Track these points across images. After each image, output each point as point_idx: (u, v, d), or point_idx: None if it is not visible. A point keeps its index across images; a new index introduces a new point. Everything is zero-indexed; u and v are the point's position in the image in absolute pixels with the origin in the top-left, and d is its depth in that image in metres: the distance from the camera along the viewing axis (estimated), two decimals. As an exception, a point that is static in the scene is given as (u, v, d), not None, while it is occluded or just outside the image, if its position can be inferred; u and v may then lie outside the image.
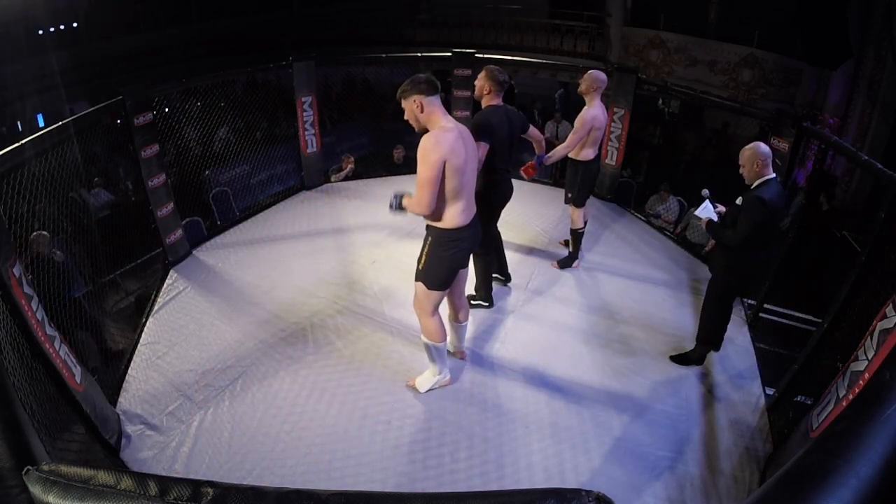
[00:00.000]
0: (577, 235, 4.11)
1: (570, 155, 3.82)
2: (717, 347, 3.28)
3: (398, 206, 2.55)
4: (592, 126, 3.65)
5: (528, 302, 3.77)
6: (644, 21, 10.07)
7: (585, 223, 4.19)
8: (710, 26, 9.48)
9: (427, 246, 2.60)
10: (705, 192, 3.09)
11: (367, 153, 7.60)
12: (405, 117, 2.44)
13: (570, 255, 4.18)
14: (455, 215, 2.48)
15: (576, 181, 3.89)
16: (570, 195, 3.98)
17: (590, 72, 3.76)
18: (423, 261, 2.62)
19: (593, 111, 3.66)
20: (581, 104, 3.80)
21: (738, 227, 2.77)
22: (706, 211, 3.02)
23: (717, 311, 3.12)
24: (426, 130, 2.40)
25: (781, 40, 8.25)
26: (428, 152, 2.28)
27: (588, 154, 3.80)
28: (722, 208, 3.09)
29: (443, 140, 2.29)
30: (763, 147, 2.77)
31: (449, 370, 3.01)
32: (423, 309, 2.72)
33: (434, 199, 2.35)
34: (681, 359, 3.28)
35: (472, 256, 3.47)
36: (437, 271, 2.60)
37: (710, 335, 3.19)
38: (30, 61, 8.95)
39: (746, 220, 2.73)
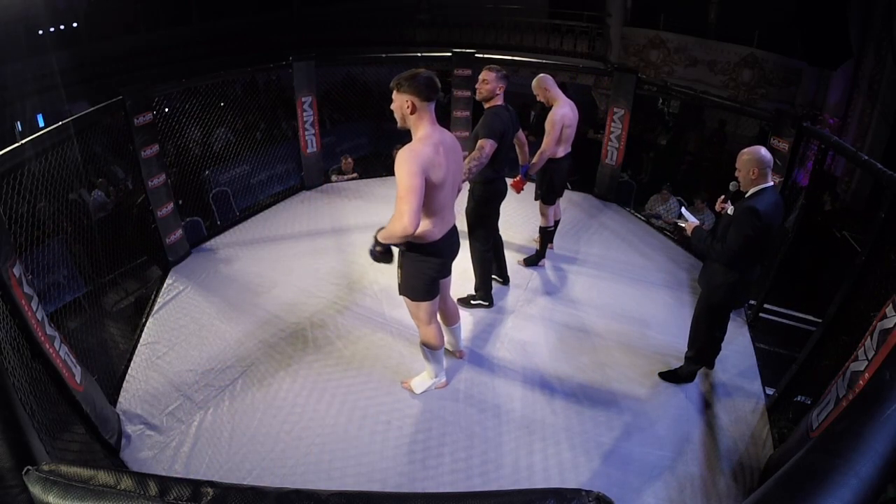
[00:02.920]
0: (545, 233, 4.09)
1: None
2: (710, 365, 3.15)
3: (375, 246, 2.37)
4: (563, 125, 3.66)
5: (527, 302, 3.77)
6: (644, 21, 10.06)
7: (557, 222, 4.20)
8: (710, 26, 9.48)
9: (400, 257, 2.50)
10: (680, 204, 3.00)
11: (367, 153, 7.60)
12: (392, 107, 2.28)
13: (536, 253, 4.17)
14: (427, 229, 2.36)
15: (545, 179, 3.88)
16: (539, 192, 3.96)
17: (535, 79, 3.73)
18: (399, 274, 2.54)
19: (561, 110, 3.65)
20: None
21: (728, 241, 2.52)
22: (686, 215, 2.90)
23: (708, 330, 2.89)
24: (407, 130, 2.32)
25: (781, 40, 8.25)
26: (405, 162, 2.13)
27: (559, 152, 3.78)
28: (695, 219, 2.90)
29: (419, 153, 2.16)
30: (763, 153, 2.51)
31: (445, 373, 3.01)
32: (419, 319, 2.69)
33: (418, 212, 2.13)
34: (669, 376, 3.14)
35: (470, 255, 3.49)
36: (416, 284, 2.52)
37: (700, 354, 3.00)
38: (30, 61, 8.94)
39: (737, 233, 2.49)
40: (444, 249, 2.50)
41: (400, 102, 2.24)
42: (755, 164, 2.50)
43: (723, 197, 2.82)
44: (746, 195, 2.56)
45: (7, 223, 2.37)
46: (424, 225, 2.34)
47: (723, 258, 2.58)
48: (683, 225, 2.87)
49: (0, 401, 1.30)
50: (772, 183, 2.56)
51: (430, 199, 2.26)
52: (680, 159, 7.89)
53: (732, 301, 2.81)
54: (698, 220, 2.86)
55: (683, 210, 2.97)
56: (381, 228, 2.33)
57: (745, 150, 2.59)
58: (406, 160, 2.14)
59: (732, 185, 2.71)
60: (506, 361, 3.24)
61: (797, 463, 0.95)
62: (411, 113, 2.23)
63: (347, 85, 6.96)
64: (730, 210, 2.65)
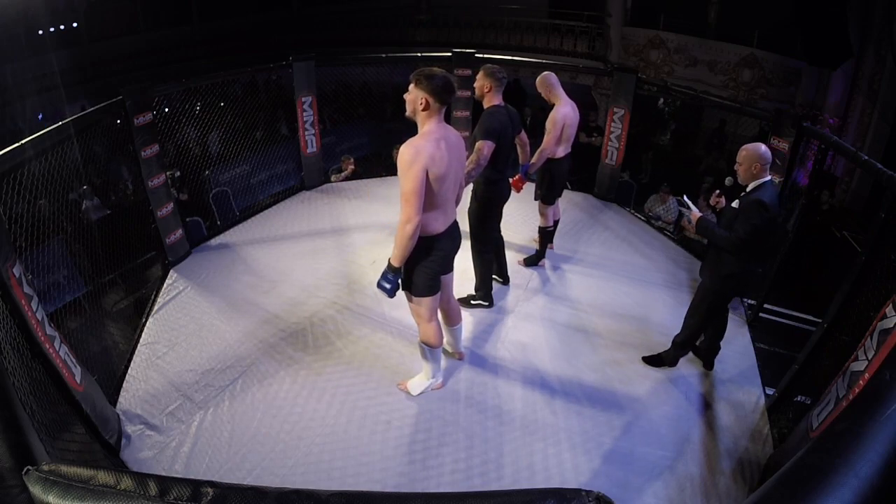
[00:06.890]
0: (544, 233, 4.09)
1: None
2: (709, 366, 3.23)
3: (388, 273, 2.45)
4: (564, 124, 3.66)
5: (527, 302, 3.77)
6: (644, 21, 10.07)
7: (557, 222, 4.20)
8: (710, 26, 9.48)
9: None
10: (681, 199, 3.03)
11: (367, 153, 7.60)
12: (405, 96, 2.38)
13: (536, 253, 4.17)
14: (429, 223, 2.41)
15: (545, 178, 3.88)
16: (539, 192, 3.96)
17: (539, 77, 3.73)
18: (402, 270, 2.55)
19: (563, 109, 3.65)
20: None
21: (736, 230, 2.64)
22: (689, 203, 2.95)
23: (704, 319, 2.98)
24: (413, 121, 2.40)
25: (781, 40, 8.26)
26: (408, 164, 2.23)
27: (559, 152, 3.78)
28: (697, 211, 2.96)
29: (422, 149, 2.25)
30: (763, 149, 2.64)
31: (443, 374, 3.01)
32: (419, 315, 2.69)
33: (420, 209, 2.29)
34: (653, 360, 3.21)
35: (471, 255, 3.49)
36: (418, 279, 2.54)
37: (688, 340, 3.10)
38: (30, 61, 8.95)
39: (745, 223, 2.60)
40: (446, 243, 2.54)
41: (415, 96, 2.33)
42: (757, 159, 2.63)
43: (718, 192, 2.96)
44: (749, 189, 2.69)
45: (7, 223, 2.37)
46: (428, 219, 2.41)
47: (727, 245, 2.69)
48: (686, 213, 2.94)
49: (0, 401, 1.30)
50: (770, 177, 2.68)
51: (433, 192, 2.33)
52: (677, 158, 7.89)
53: (735, 291, 2.93)
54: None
55: (685, 198, 3.00)
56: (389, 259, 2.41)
57: (746, 145, 2.71)
58: (410, 161, 2.24)
59: (728, 180, 2.83)
60: (506, 362, 3.24)
61: (797, 463, 0.94)
62: (423, 110, 2.32)
63: (340, 90, 6.96)
64: (723, 204, 2.77)
